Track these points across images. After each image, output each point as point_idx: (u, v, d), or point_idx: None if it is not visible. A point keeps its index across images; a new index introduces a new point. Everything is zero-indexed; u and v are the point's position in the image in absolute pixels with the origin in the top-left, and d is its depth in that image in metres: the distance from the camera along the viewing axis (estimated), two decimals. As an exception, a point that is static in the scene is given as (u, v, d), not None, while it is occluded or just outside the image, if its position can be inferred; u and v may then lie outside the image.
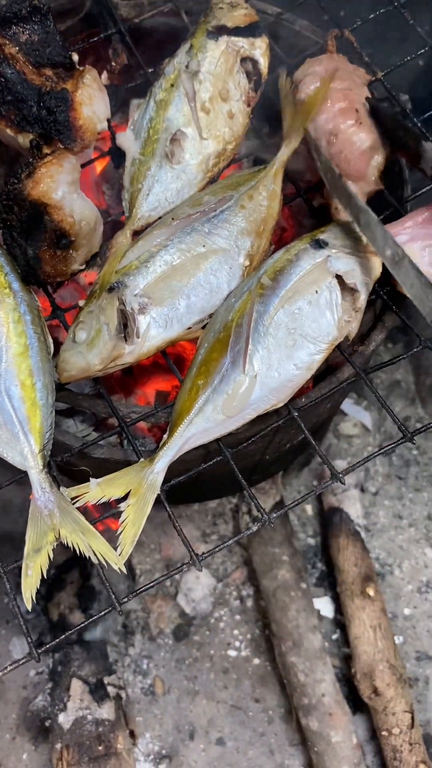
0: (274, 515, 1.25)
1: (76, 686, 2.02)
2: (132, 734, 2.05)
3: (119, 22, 1.68)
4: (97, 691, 2.02)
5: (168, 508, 1.26)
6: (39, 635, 2.20)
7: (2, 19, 1.43)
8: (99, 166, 1.81)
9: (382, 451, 1.28)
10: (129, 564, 2.23)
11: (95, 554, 1.20)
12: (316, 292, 1.33)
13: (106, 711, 1.99)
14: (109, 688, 2.03)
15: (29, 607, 1.17)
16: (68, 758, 1.93)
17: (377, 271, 1.39)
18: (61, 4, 1.70)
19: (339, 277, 1.35)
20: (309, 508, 2.39)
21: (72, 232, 1.32)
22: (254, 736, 2.09)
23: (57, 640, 1.19)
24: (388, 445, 1.29)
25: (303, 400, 1.40)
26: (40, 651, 1.16)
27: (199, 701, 2.13)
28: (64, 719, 1.98)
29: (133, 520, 1.22)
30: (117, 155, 1.53)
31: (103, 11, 1.70)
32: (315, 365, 1.32)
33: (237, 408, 1.29)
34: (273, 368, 1.30)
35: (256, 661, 2.18)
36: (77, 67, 1.47)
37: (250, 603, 2.24)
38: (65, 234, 1.31)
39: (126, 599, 1.19)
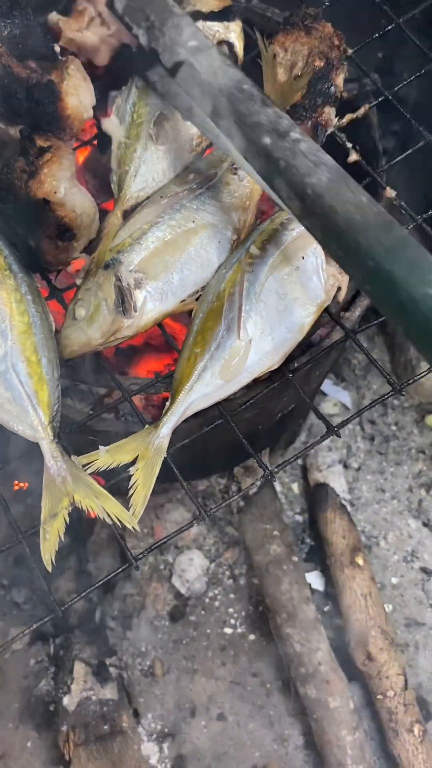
0: (276, 469, 1.31)
1: (79, 669, 2.06)
2: (136, 713, 2.09)
3: (96, 15, 1.72)
4: (100, 673, 2.06)
5: (175, 468, 1.31)
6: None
7: (-18, 15, 1.48)
8: (81, 156, 1.85)
9: (376, 402, 1.34)
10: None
11: (109, 515, 1.25)
12: (303, 258, 1.39)
13: (110, 691, 2.03)
14: (111, 669, 2.07)
15: (49, 569, 1.22)
16: (75, 739, 1.96)
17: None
18: (37, -3, 1.74)
19: (323, 244, 1.41)
20: (295, 487, 2.45)
21: (74, 226, 1.35)
22: (254, 709, 2.14)
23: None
24: (381, 397, 1.36)
25: (295, 363, 1.46)
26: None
27: (198, 679, 2.17)
28: (69, 701, 2.01)
29: (143, 482, 1.27)
30: (102, 141, 1.58)
31: (79, 4, 1.74)
32: (306, 327, 1.38)
33: (234, 373, 1.34)
34: (266, 333, 1.36)
35: (252, 637, 2.23)
36: (60, 58, 1.51)
37: (242, 581, 2.29)
38: (68, 228, 1.35)
39: (142, 555, 1.24)
